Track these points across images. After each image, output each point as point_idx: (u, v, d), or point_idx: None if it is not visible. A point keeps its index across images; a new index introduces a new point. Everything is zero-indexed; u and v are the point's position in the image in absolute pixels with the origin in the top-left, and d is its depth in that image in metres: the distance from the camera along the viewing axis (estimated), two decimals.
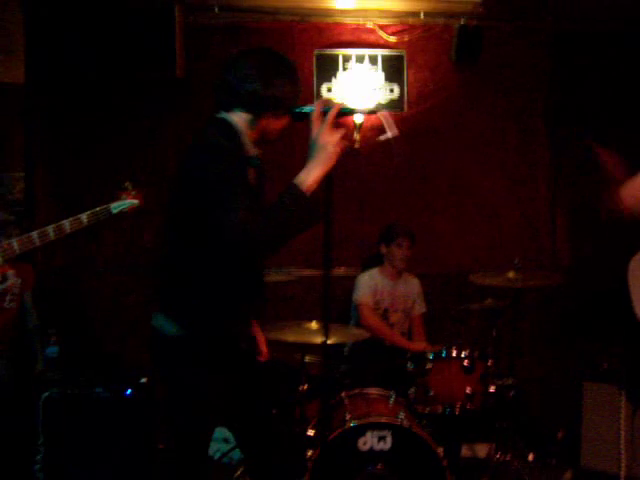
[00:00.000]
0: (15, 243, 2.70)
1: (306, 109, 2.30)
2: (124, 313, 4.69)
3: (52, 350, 3.77)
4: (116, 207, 2.94)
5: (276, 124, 2.35)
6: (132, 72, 4.36)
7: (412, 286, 4.36)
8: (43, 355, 3.95)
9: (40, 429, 3.36)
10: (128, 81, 4.54)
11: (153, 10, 4.31)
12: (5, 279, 3.87)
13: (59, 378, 3.61)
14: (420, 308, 4.36)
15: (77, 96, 4.66)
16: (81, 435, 3.38)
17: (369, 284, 4.24)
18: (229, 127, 2.29)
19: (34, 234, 2.75)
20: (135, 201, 3.00)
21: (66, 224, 2.81)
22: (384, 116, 2.34)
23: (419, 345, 3.97)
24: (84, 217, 2.85)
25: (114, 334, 4.64)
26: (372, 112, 2.31)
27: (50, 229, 2.77)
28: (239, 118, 2.30)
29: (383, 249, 4.27)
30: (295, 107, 2.33)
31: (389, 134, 2.29)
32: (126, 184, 3.01)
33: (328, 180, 2.28)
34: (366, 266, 4.44)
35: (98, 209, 2.90)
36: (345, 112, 2.34)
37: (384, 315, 4.24)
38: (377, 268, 4.32)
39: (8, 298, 3.95)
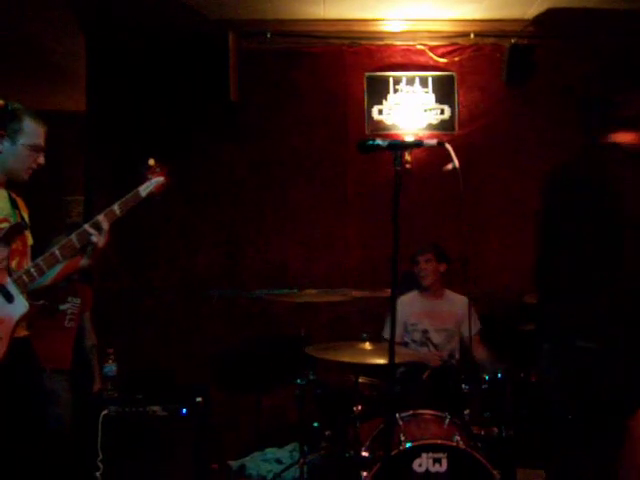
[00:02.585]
0: (57, 250, 2.71)
1: (377, 142, 2.35)
2: (178, 334, 4.78)
3: (110, 369, 3.86)
4: (144, 189, 2.85)
5: None
6: (189, 97, 4.48)
7: (458, 305, 4.28)
8: (101, 374, 4.04)
9: (99, 446, 3.43)
10: (185, 106, 4.66)
11: (208, 37, 4.44)
12: (67, 300, 4.03)
13: (117, 397, 3.69)
14: (472, 327, 4.24)
15: (136, 123, 4.81)
16: (138, 452, 3.44)
17: (401, 311, 4.18)
18: None
19: (73, 236, 2.74)
20: (160, 178, 2.89)
21: (101, 218, 2.74)
22: (451, 148, 2.37)
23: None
24: (116, 207, 2.77)
25: (168, 354, 4.72)
26: (440, 144, 2.33)
27: (88, 227, 2.72)
28: None
29: (414, 269, 4.28)
30: (365, 140, 2.37)
31: (456, 163, 2.32)
32: (150, 161, 2.93)
33: (395, 205, 2.30)
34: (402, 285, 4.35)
35: (128, 196, 2.81)
36: (412, 145, 2.38)
37: (424, 335, 4.22)
38: (417, 290, 4.33)
39: (68, 318, 4.10)
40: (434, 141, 2.38)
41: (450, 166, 2.29)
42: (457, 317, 4.26)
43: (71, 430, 3.78)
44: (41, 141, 2.77)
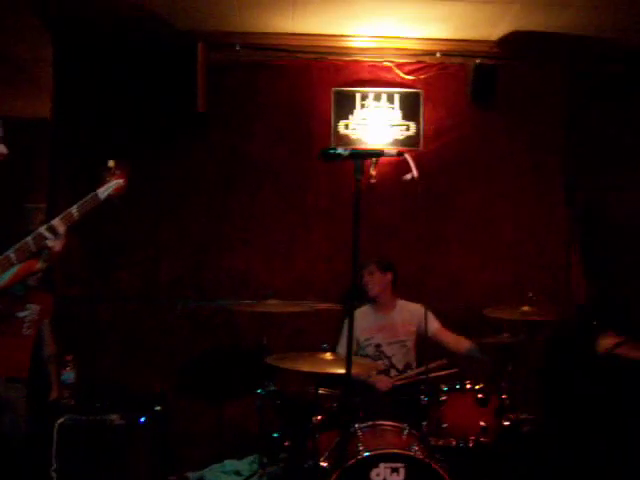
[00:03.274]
0: (12, 253, 2.67)
1: (339, 151, 2.39)
2: (139, 343, 4.74)
3: (68, 376, 3.81)
4: (103, 192, 2.83)
5: None
6: (156, 106, 4.49)
7: (410, 313, 4.27)
8: (59, 383, 3.98)
9: (54, 455, 3.38)
10: (152, 115, 4.67)
11: (177, 47, 4.46)
12: (25, 307, 3.96)
13: (74, 405, 3.64)
14: (432, 326, 4.18)
15: (102, 131, 4.79)
16: (94, 462, 3.39)
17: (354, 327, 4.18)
18: None
19: (29, 239, 2.70)
20: (120, 181, 2.88)
21: (57, 222, 2.71)
22: (410, 157, 2.42)
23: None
24: (74, 210, 2.75)
25: (129, 363, 4.67)
26: (400, 154, 2.38)
27: (44, 230, 2.69)
28: None
29: (361, 283, 4.25)
30: (328, 148, 2.41)
31: (415, 173, 2.37)
32: (109, 163, 2.90)
33: (355, 215, 2.34)
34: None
35: (86, 198, 2.79)
36: (373, 154, 2.42)
37: (377, 350, 4.20)
38: (370, 304, 4.32)
39: (26, 325, 4.04)
40: (394, 151, 2.44)
41: (409, 176, 2.35)
42: (410, 327, 4.26)
43: (26, 439, 3.71)
44: (1, 132, 2.75)
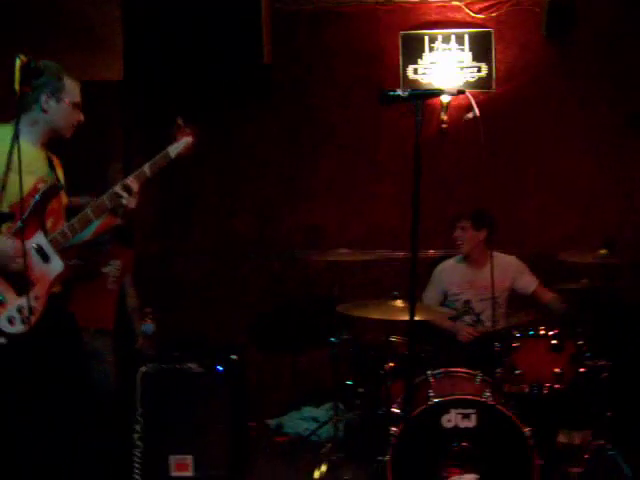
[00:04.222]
0: (89, 211, 2.78)
1: (397, 92, 2.34)
2: (213, 296, 4.87)
3: (148, 327, 3.95)
4: (173, 150, 2.89)
5: None
6: (222, 60, 4.49)
7: (504, 268, 4.05)
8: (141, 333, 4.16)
9: (138, 402, 3.54)
10: (218, 69, 4.68)
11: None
12: (109, 263, 4.14)
13: (155, 355, 3.79)
14: (530, 284, 4.08)
15: (171, 88, 4.85)
16: (176, 408, 3.53)
17: (441, 280, 4.15)
18: None
19: (104, 197, 2.78)
20: (188, 139, 2.92)
21: (130, 180, 2.80)
22: (472, 95, 2.35)
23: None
24: (146, 168, 2.84)
25: (205, 315, 4.82)
26: (461, 92, 2.30)
27: (118, 189, 2.77)
28: None
29: (452, 235, 4.11)
30: (386, 90, 2.36)
31: (477, 112, 2.30)
32: (178, 121, 2.95)
33: (416, 161, 2.29)
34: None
35: (157, 157, 2.86)
36: (433, 93, 2.36)
37: (465, 305, 4.06)
38: (459, 257, 4.18)
39: (110, 280, 4.22)
40: (454, 89, 2.36)
41: (471, 114, 2.27)
42: (505, 282, 4.06)
43: (114, 386, 3.91)
44: (80, 98, 2.85)
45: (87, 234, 2.87)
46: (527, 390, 3.37)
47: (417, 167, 2.30)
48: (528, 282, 4.09)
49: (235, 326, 4.74)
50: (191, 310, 4.82)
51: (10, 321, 2.54)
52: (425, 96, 2.27)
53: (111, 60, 5.15)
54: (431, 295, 4.17)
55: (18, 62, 2.33)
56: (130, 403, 3.58)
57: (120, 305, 4.30)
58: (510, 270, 4.08)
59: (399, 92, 2.31)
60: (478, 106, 4.67)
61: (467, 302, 4.07)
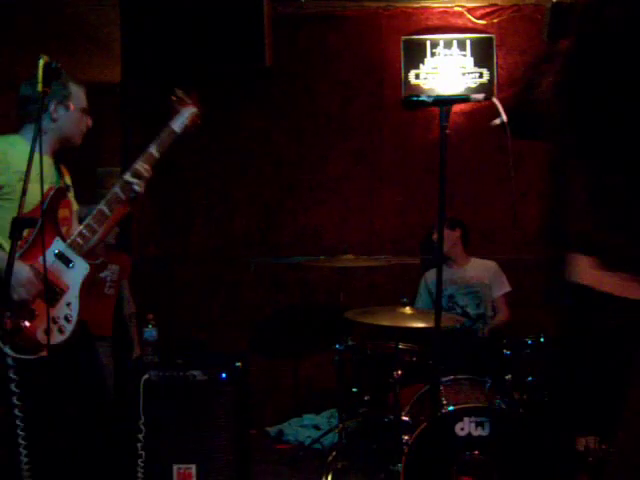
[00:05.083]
0: (104, 207, 2.69)
1: (422, 97, 2.32)
2: (215, 301, 4.80)
3: (150, 333, 3.87)
4: (178, 124, 2.78)
5: None
6: (223, 63, 4.44)
7: (483, 270, 4.33)
8: (141, 340, 4.07)
9: (141, 410, 3.46)
10: (219, 72, 4.63)
11: (242, 1, 4.38)
12: (106, 268, 4.05)
13: (157, 361, 3.71)
14: (500, 289, 4.31)
15: (171, 90, 4.77)
16: (179, 416, 3.46)
17: (426, 283, 4.39)
18: None
19: (117, 189, 2.69)
20: (193, 109, 2.81)
21: (139, 165, 2.71)
22: (497, 101, 2.33)
23: None
24: (153, 150, 2.74)
25: (206, 321, 4.74)
26: (487, 98, 2.27)
27: (129, 177, 2.68)
28: None
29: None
30: (411, 95, 2.35)
31: (504, 117, 2.27)
32: (178, 93, 2.82)
33: (441, 165, 2.25)
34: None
35: (161, 135, 2.75)
36: (459, 100, 2.33)
37: (450, 301, 4.24)
38: (444, 263, 4.28)
39: (107, 285, 4.14)
40: (481, 96, 2.34)
41: (498, 121, 2.24)
42: (483, 280, 4.30)
43: (114, 393, 3.83)
44: (86, 103, 2.78)
45: (102, 230, 2.80)
46: (539, 397, 3.34)
47: (442, 175, 2.27)
48: (499, 285, 4.32)
49: (237, 331, 4.67)
50: (191, 315, 4.74)
51: (48, 333, 2.42)
52: (451, 101, 2.23)
53: (109, 62, 5.09)
54: (422, 299, 4.39)
55: (41, 62, 2.26)
56: (131, 412, 3.50)
57: (117, 311, 4.23)
58: (490, 271, 4.34)
59: (424, 97, 2.30)
60: (480, 112, 4.69)
61: (451, 297, 4.27)
